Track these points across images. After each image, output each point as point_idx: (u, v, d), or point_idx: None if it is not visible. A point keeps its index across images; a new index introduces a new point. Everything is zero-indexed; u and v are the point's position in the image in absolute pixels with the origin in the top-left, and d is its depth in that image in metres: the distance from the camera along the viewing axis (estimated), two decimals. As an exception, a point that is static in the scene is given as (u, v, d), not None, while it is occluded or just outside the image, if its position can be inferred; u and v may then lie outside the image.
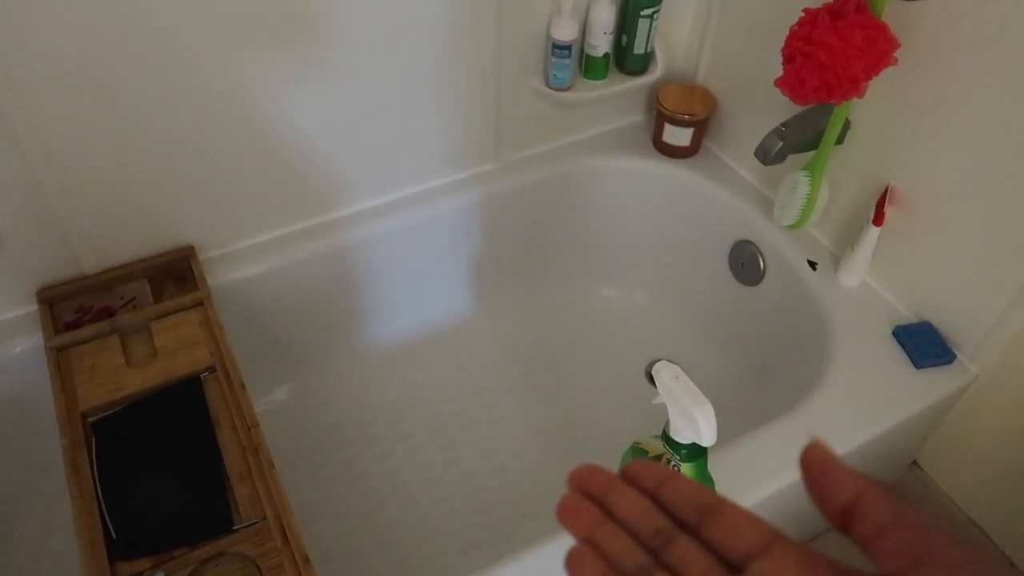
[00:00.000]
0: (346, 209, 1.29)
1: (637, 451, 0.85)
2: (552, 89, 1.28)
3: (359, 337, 1.43)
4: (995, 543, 1.18)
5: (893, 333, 1.13)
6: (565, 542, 0.30)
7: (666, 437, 0.78)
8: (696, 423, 0.73)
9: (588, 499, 0.30)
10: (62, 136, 0.98)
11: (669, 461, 0.79)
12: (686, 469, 0.78)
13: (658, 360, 0.81)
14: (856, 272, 1.18)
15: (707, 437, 0.73)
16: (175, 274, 1.16)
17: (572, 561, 0.29)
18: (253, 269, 1.22)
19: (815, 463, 0.28)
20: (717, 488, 0.86)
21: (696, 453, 0.77)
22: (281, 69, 1.07)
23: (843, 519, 0.27)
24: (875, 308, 1.17)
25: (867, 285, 1.20)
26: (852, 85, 0.97)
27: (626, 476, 0.31)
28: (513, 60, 1.25)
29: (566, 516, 0.30)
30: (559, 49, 1.22)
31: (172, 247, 1.17)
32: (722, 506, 0.28)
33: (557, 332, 1.53)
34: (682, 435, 0.76)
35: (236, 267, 1.21)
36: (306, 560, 0.84)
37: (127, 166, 1.05)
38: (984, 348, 1.07)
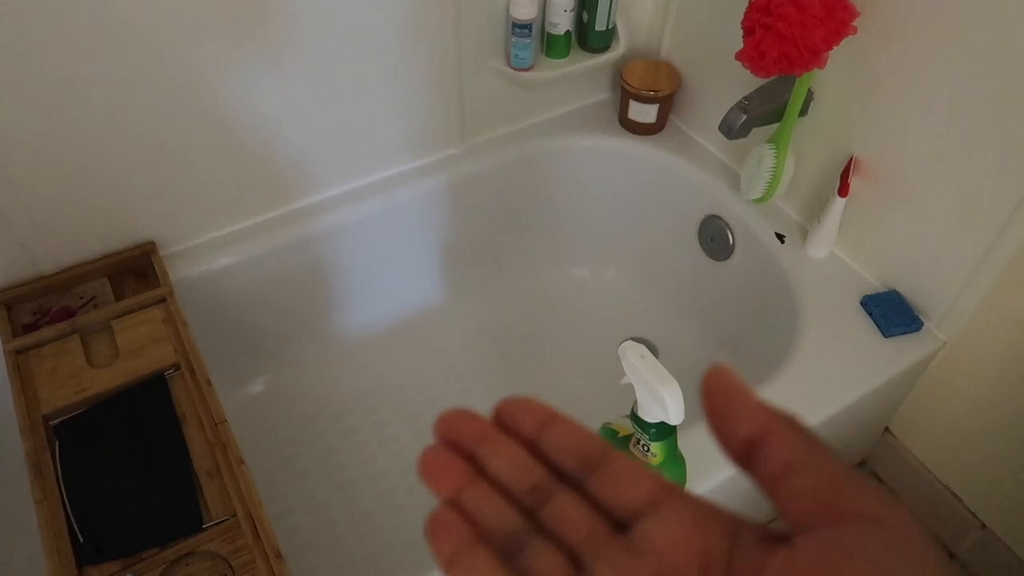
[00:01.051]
0: (310, 198, 1.27)
1: (607, 431, 0.84)
2: (514, 69, 1.27)
3: (330, 328, 1.42)
4: (968, 507, 1.19)
5: (861, 303, 1.13)
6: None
7: (634, 416, 0.78)
8: (663, 402, 0.72)
9: (456, 451, 0.26)
10: (11, 132, 0.95)
11: (639, 441, 0.79)
12: (656, 448, 0.78)
13: (626, 340, 0.81)
14: (823, 244, 1.18)
15: (675, 416, 0.73)
16: (136, 271, 1.14)
17: (432, 528, 0.24)
18: (218, 262, 1.20)
19: (717, 389, 0.24)
20: (690, 466, 0.86)
21: (665, 432, 0.77)
22: (238, 59, 1.04)
23: (745, 456, 0.24)
24: (843, 278, 1.17)
25: (835, 256, 1.20)
26: (812, 56, 0.97)
27: (500, 419, 0.26)
28: (473, 41, 1.23)
29: (428, 473, 0.25)
30: (519, 28, 1.21)
31: (132, 243, 1.15)
32: (609, 455, 0.25)
33: (530, 315, 1.52)
34: (650, 414, 0.76)
35: (200, 261, 1.19)
36: (277, 555, 0.83)
37: (81, 162, 1.03)
38: (951, 315, 1.08)
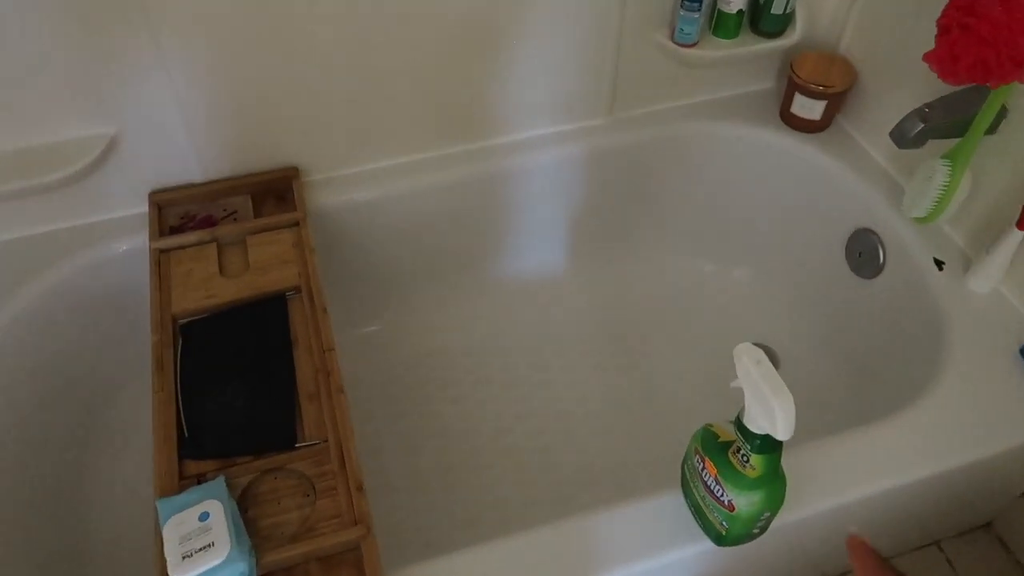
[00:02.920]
0: (445, 149, 1.27)
1: (708, 434, 0.80)
2: (677, 44, 1.21)
3: (449, 279, 1.43)
4: (1104, 597, 1.06)
5: (1021, 350, 1.01)
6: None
7: (739, 424, 0.73)
8: (773, 414, 0.67)
9: None
10: (192, 49, 1.01)
11: (739, 450, 0.74)
12: (756, 461, 0.73)
13: (745, 342, 0.75)
14: (989, 278, 1.07)
15: (783, 431, 0.68)
16: (277, 193, 1.19)
17: None
18: (353, 196, 1.23)
19: None
20: (792, 487, 0.80)
21: (770, 446, 0.72)
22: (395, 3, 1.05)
23: None
24: (1004, 320, 1.05)
25: (999, 294, 1.08)
26: (1014, 66, 0.86)
27: None
28: (639, 9, 1.18)
29: None
30: (689, 1, 1.15)
31: (277, 166, 1.19)
32: None
33: (648, 299, 1.48)
34: (756, 424, 0.71)
35: (337, 193, 1.22)
36: (359, 488, 0.84)
37: (243, 81, 1.07)
38: None
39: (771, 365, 0.69)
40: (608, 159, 1.33)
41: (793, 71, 1.26)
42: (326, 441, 0.89)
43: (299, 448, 0.88)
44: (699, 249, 1.50)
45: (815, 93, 1.25)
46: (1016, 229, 1.00)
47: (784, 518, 0.84)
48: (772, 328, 1.41)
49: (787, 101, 1.30)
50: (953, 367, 1.01)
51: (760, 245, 1.44)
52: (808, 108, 1.28)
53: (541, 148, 1.30)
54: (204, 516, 0.78)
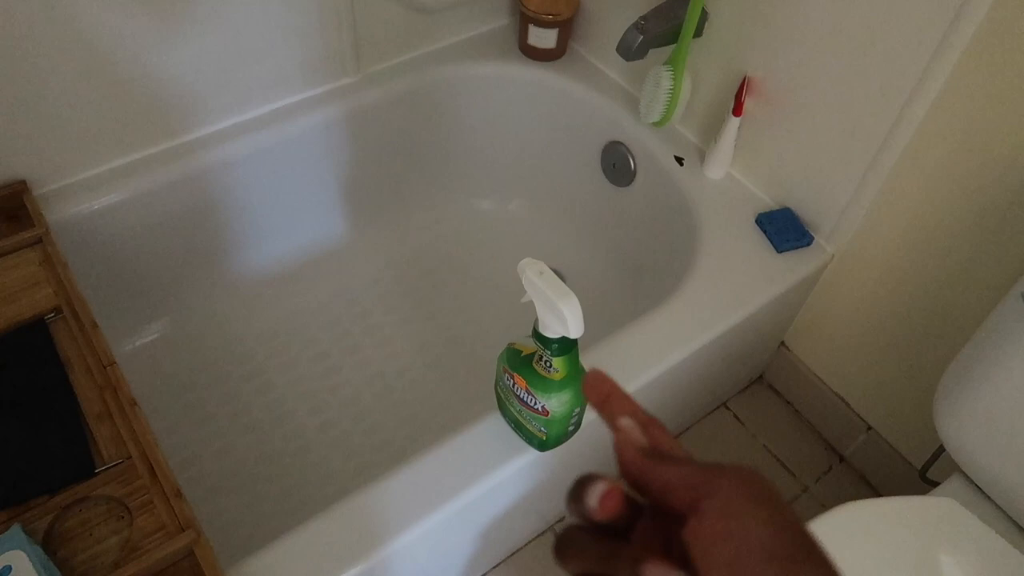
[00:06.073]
0: (196, 132, 1.20)
1: (511, 352, 0.84)
2: (408, -8, 1.22)
3: (230, 267, 1.36)
4: (856, 412, 1.27)
5: (756, 221, 1.16)
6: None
7: (536, 334, 0.78)
8: (563, 316, 0.73)
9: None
10: None
11: (541, 357, 0.79)
12: (558, 363, 0.79)
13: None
14: (720, 165, 1.21)
15: (574, 329, 0.74)
16: (8, 213, 1.06)
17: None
18: (99, 201, 1.13)
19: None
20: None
21: (566, 347, 0.78)
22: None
23: None
24: (739, 198, 1.20)
25: (732, 176, 1.23)
26: (703, -29, 0.96)
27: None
28: (363, -39, 1.17)
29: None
30: (411, -53, 1.16)
31: (1, 183, 1.06)
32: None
33: (435, 248, 1.51)
34: (551, 330, 0.76)
35: (79, 200, 1.11)
36: (177, 494, 0.80)
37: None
38: (838, 229, 1.12)
39: (553, 274, 0.75)
40: (364, 117, 1.32)
41: (523, 4, 1.32)
42: (130, 458, 0.83)
43: (100, 472, 0.82)
44: (473, 189, 1.54)
45: (545, 23, 1.32)
46: (732, 116, 1.14)
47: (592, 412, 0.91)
48: (554, 250, 1.50)
49: (523, 34, 1.36)
50: (706, 246, 1.14)
51: (527, 175, 1.52)
52: (543, 38, 1.35)
53: (293, 117, 1.26)
54: (7, 570, 0.71)
